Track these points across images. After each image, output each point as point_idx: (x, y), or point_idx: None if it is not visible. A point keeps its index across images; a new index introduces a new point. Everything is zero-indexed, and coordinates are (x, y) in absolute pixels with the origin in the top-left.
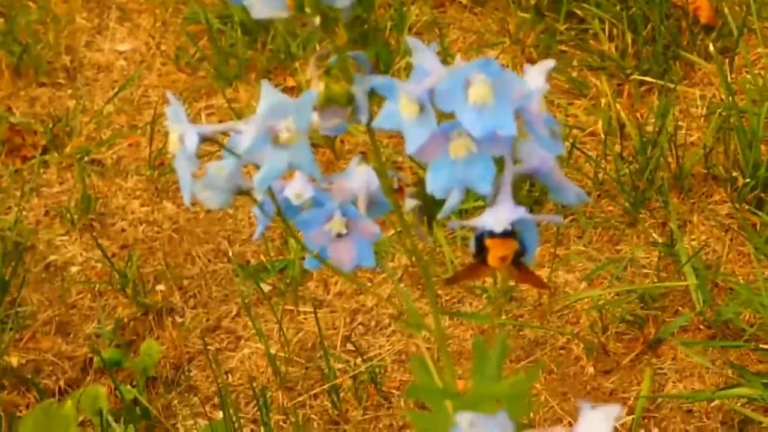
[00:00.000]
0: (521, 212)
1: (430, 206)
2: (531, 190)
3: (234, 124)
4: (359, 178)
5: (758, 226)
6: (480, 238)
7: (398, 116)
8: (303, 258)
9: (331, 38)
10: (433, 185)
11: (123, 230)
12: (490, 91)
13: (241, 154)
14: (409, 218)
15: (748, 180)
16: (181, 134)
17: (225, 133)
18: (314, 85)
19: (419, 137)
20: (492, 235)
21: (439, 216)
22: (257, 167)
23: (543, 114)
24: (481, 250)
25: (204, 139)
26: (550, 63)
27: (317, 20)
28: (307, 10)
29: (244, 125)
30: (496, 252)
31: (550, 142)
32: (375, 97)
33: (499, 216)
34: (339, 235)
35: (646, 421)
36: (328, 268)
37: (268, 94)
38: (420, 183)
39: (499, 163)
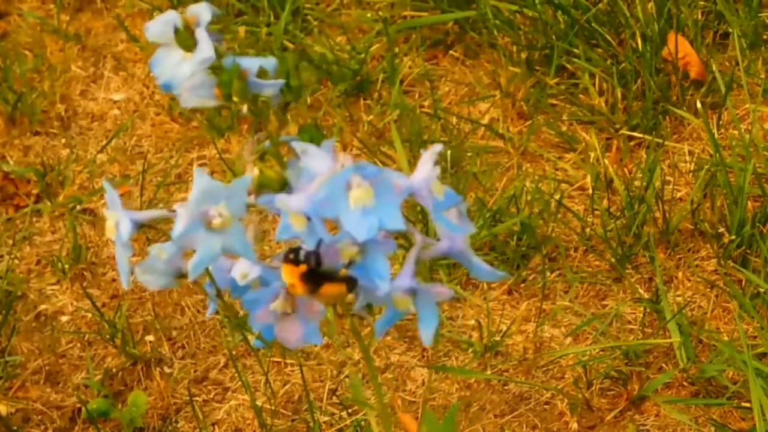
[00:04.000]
0: (413, 283)
1: None
2: (518, 244)
3: (167, 211)
4: None
5: (743, 283)
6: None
7: (292, 228)
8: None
9: (263, 124)
10: None
11: (113, 280)
12: (370, 191)
13: (174, 239)
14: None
15: (734, 237)
16: (117, 221)
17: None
18: (249, 170)
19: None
20: (285, 260)
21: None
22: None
23: (439, 197)
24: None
25: (139, 225)
26: (437, 147)
27: (245, 108)
28: (235, 98)
29: (179, 210)
30: (284, 278)
31: (455, 223)
32: None
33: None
34: (285, 314)
35: None
36: (272, 348)
37: (200, 180)
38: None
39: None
